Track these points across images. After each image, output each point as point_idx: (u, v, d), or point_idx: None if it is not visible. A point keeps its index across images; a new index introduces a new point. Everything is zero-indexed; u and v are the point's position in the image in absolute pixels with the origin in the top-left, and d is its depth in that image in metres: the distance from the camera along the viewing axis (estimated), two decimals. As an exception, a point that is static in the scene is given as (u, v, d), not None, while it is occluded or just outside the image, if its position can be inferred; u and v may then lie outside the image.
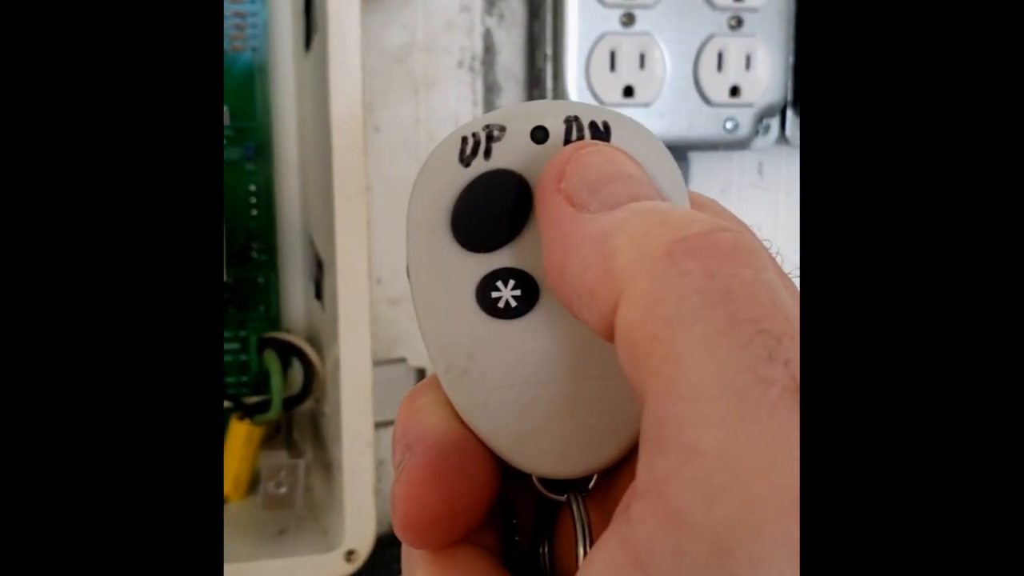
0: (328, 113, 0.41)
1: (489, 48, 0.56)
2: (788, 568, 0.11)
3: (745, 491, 0.12)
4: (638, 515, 0.12)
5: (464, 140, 0.17)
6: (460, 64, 0.55)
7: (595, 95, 0.51)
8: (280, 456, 0.52)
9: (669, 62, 0.52)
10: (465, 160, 0.17)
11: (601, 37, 0.51)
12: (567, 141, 0.17)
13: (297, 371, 0.50)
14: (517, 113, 0.17)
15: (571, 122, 0.17)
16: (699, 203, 0.18)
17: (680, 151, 0.55)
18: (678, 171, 0.17)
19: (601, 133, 0.17)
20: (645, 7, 0.51)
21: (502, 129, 0.17)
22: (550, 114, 0.17)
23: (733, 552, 0.11)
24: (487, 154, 0.17)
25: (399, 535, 0.17)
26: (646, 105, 0.52)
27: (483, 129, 0.17)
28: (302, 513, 0.48)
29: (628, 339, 0.13)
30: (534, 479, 0.17)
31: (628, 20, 0.51)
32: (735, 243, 0.14)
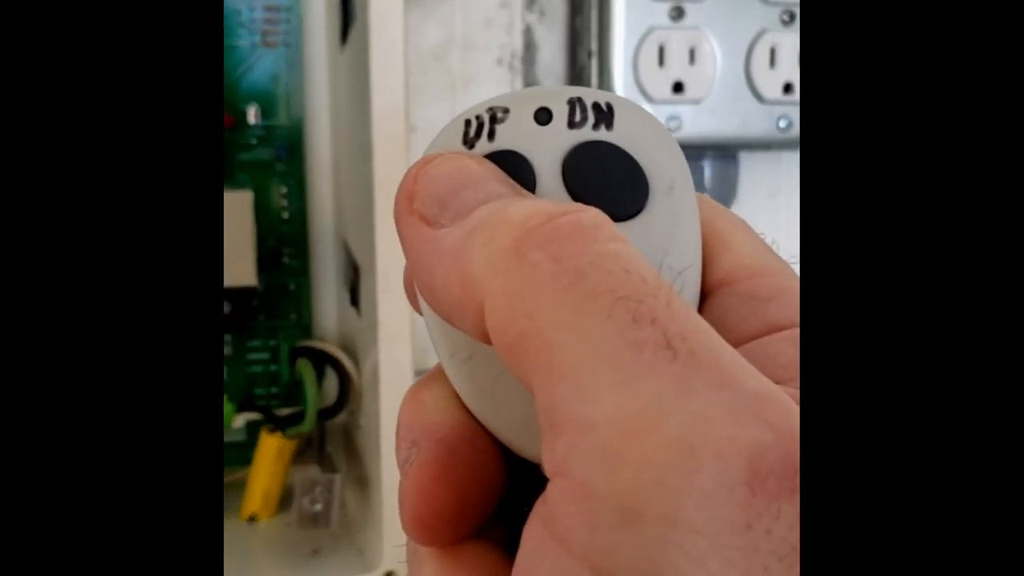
0: (369, 108, 0.38)
1: (529, 45, 0.53)
2: (700, 518, 0.11)
3: (640, 451, 0.12)
4: (552, 495, 0.13)
5: (468, 123, 0.17)
6: (499, 62, 0.53)
7: (643, 91, 0.49)
8: (313, 471, 0.50)
9: (720, 57, 0.49)
10: (469, 142, 0.17)
11: (649, 31, 0.49)
12: (571, 122, 0.17)
13: (330, 382, 0.48)
14: (520, 96, 0.17)
15: (574, 103, 0.17)
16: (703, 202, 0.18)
17: (730, 150, 0.52)
18: (681, 155, 0.17)
19: (604, 114, 0.17)
20: (695, 1, 0.49)
21: (505, 111, 0.17)
22: (553, 96, 0.17)
23: (643, 513, 0.11)
24: (491, 136, 0.17)
25: (408, 533, 0.16)
26: (696, 102, 0.49)
27: (487, 112, 0.17)
28: (336, 532, 0.45)
29: (501, 340, 0.14)
30: (542, 467, 0.16)
31: (677, 14, 0.49)
32: (576, 223, 0.14)
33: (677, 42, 0.49)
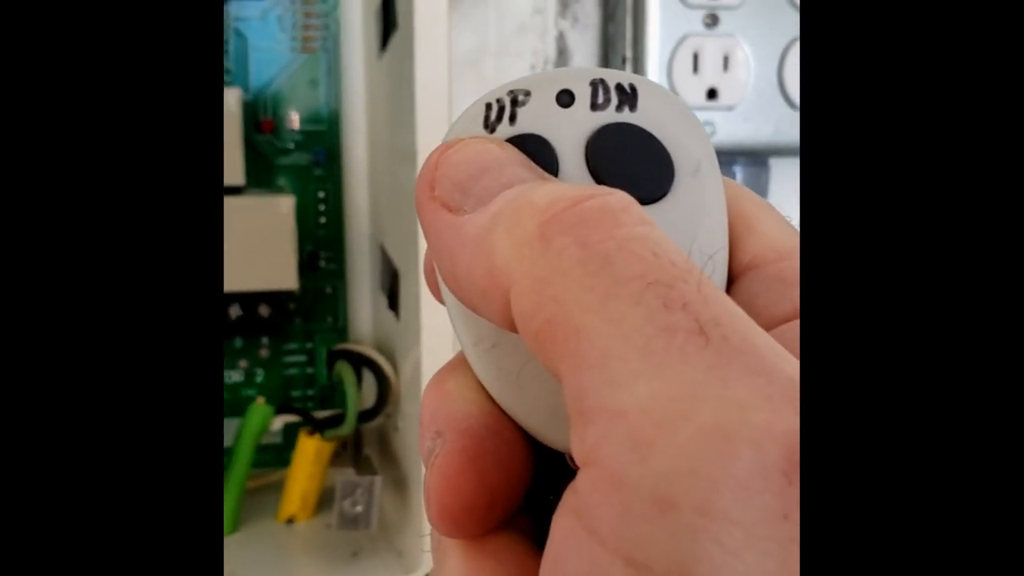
0: (413, 115, 0.39)
1: (562, 51, 0.54)
2: (735, 508, 0.11)
3: (673, 440, 0.11)
4: (582, 485, 0.12)
5: (488, 106, 0.16)
6: (532, 68, 0.54)
7: (678, 98, 0.49)
8: (349, 474, 0.50)
9: (753, 64, 0.50)
10: (490, 126, 0.16)
11: (684, 38, 0.49)
12: (593, 104, 0.16)
13: (367, 385, 0.48)
14: (542, 79, 0.17)
15: (597, 84, 0.16)
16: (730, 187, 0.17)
17: (761, 157, 0.53)
18: (706, 136, 0.17)
19: (627, 95, 0.17)
20: (729, 8, 0.49)
21: (527, 94, 0.16)
22: (576, 78, 0.17)
23: (677, 503, 0.11)
24: (512, 119, 0.16)
25: (434, 525, 0.16)
26: (730, 108, 0.50)
27: (507, 95, 0.16)
28: (375, 534, 0.45)
29: (528, 328, 0.13)
30: (567, 457, 0.16)
31: (711, 21, 0.49)
32: (602, 207, 0.14)
33: (711, 49, 0.49)
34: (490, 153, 0.16)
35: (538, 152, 0.16)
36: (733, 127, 0.50)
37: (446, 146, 0.16)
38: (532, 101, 0.16)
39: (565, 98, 0.16)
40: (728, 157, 0.52)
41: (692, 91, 0.49)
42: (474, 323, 0.16)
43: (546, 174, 0.16)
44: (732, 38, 0.49)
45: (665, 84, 0.49)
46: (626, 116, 0.16)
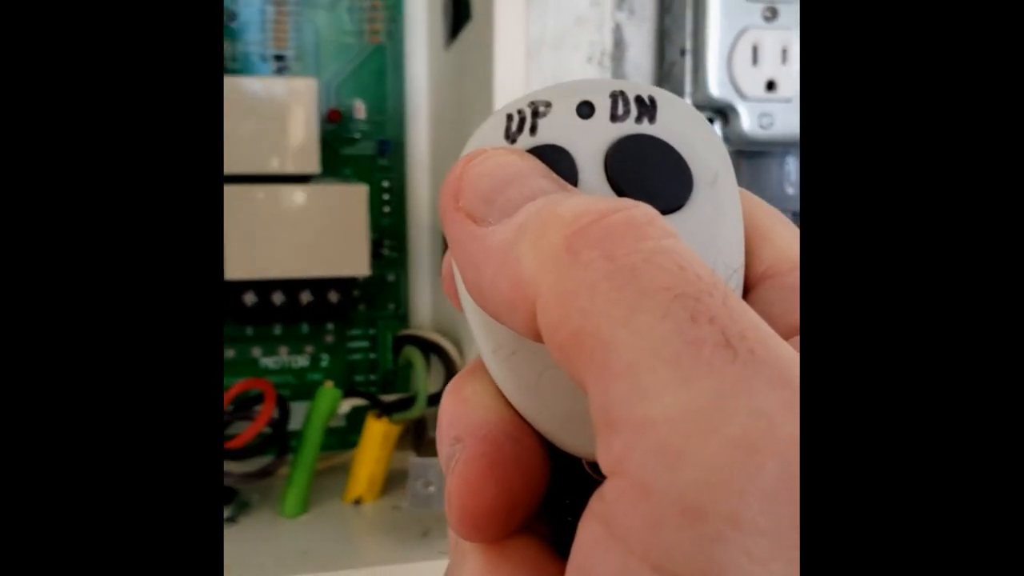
0: (491, 104, 0.40)
1: (619, 43, 0.55)
2: (763, 519, 0.11)
3: (701, 451, 0.12)
4: (609, 493, 0.13)
5: (509, 117, 0.17)
6: (589, 59, 0.54)
7: (737, 89, 0.50)
8: (411, 457, 0.51)
9: (811, 57, 0.50)
10: (511, 137, 0.17)
11: (744, 31, 0.50)
12: (613, 115, 0.17)
13: (433, 370, 0.49)
14: (562, 90, 0.17)
15: (616, 96, 0.17)
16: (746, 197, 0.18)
17: (816, 148, 0.53)
18: (724, 148, 0.17)
19: (647, 107, 0.17)
20: (788, 2, 0.50)
21: (547, 105, 0.17)
22: (595, 90, 0.17)
23: (705, 512, 0.11)
24: (533, 130, 0.17)
25: (455, 530, 0.16)
26: (787, 100, 0.50)
27: (528, 106, 0.17)
28: (442, 514, 0.46)
29: (554, 340, 0.14)
30: (585, 464, 0.17)
31: (771, 14, 0.50)
32: (628, 220, 0.14)
33: (770, 41, 0.50)
34: (513, 165, 0.16)
35: (558, 162, 0.16)
36: (790, 119, 0.51)
37: (469, 157, 0.16)
38: (552, 112, 0.17)
39: (585, 109, 0.17)
40: (784, 148, 0.53)
41: (751, 83, 0.50)
42: (494, 330, 0.16)
43: (568, 185, 0.16)
44: (791, 31, 0.50)
45: (725, 75, 0.50)
46: (645, 128, 0.17)
